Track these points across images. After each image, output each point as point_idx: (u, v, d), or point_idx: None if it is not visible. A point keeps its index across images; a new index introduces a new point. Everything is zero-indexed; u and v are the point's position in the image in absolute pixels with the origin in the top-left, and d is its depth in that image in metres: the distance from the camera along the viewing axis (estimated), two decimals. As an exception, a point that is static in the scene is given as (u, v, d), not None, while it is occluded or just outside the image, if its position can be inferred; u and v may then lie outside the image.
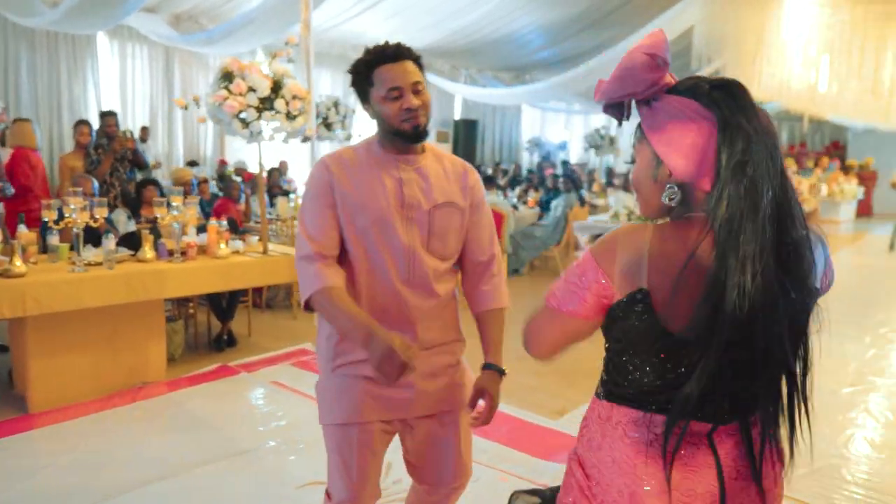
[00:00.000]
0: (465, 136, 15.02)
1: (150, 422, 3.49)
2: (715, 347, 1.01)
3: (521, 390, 3.80)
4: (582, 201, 8.33)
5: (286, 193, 7.48)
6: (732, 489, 1.10)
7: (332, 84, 12.30)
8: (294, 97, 3.95)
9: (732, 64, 9.30)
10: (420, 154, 1.70)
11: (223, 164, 9.20)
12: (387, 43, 1.65)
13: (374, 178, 1.65)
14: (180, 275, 3.76)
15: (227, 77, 3.94)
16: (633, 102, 1.14)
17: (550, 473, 2.96)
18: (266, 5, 6.31)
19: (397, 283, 1.65)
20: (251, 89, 3.83)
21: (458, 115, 15.46)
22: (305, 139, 5.71)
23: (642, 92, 1.09)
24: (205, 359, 4.50)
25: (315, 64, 11.40)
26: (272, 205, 7.05)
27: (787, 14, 8.22)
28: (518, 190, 9.93)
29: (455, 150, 14.92)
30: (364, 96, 1.67)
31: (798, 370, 1.10)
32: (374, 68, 1.62)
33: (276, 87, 3.93)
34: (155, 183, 5.30)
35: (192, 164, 9.02)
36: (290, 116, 3.96)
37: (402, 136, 1.62)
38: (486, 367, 1.74)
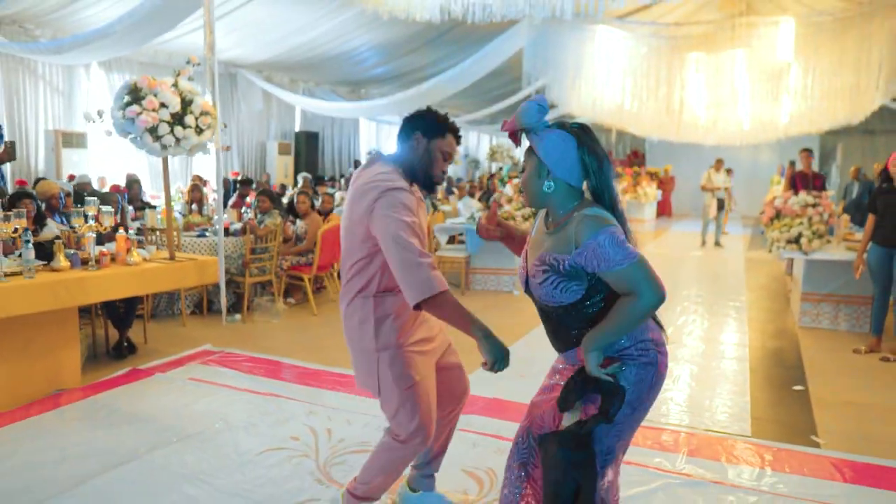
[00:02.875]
0: (307, 148, 15.34)
1: (87, 420, 3.64)
2: None
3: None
4: (434, 207, 9.12)
5: (150, 206, 7.44)
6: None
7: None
8: (202, 113, 4.26)
9: (554, 83, 10.72)
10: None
11: (71, 178, 8.79)
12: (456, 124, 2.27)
13: (420, 206, 2.24)
14: (101, 281, 3.91)
15: (134, 93, 4.16)
16: (525, 133, 1.85)
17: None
18: (128, 20, 6.34)
19: None
20: (163, 105, 4.09)
21: (298, 127, 15.73)
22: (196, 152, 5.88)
23: (533, 126, 1.81)
24: (110, 366, 4.60)
25: (153, 74, 11.24)
26: (136, 218, 7.02)
27: (599, 43, 9.74)
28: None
29: (297, 162, 15.19)
30: (431, 135, 2.21)
31: None
32: (447, 133, 2.23)
33: (186, 103, 4.22)
34: (31, 196, 5.20)
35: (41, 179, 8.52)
36: (199, 131, 4.27)
37: (431, 182, 2.24)
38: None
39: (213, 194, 7.66)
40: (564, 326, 1.84)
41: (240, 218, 7.29)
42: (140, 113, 4.03)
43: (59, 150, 10.04)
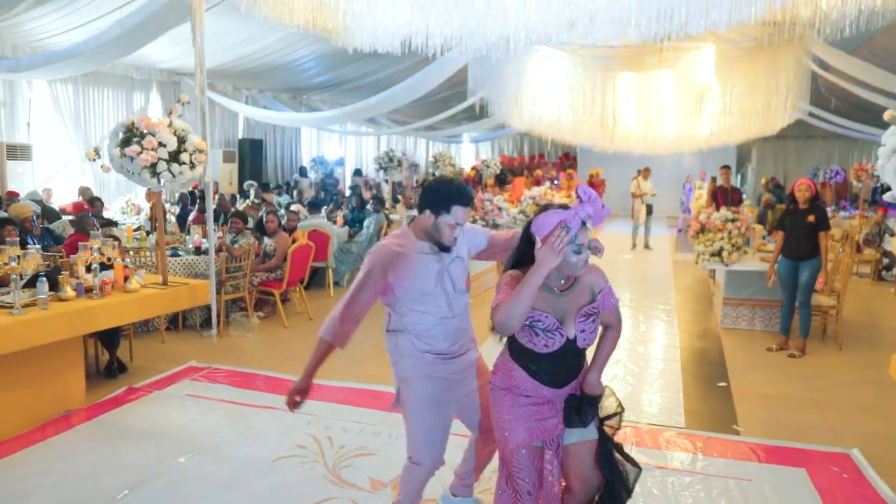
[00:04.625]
0: (251, 155, 15.47)
1: (105, 438, 3.98)
2: None
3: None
4: (389, 222, 9.59)
5: (113, 223, 7.63)
6: None
7: (115, 104, 12.09)
8: (196, 150, 4.63)
9: (496, 97, 11.38)
10: None
11: (12, 195, 8.79)
12: (467, 190, 2.63)
13: (420, 257, 2.68)
14: (109, 309, 4.23)
15: (129, 132, 4.49)
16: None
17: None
18: (99, 39, 6.53)
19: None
20: (161, 144, 4.44)
21: (241, 134, 15.83)
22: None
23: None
24: (105, 386, 4.90)
25: (98, 84, 11.31)
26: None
27: (539, 62, 10.43)
28: (325, 210, 10.89)
29: (241, 169, 15.29)
30: (438, 212, 2.55)
31: None
32: (452, 207, 2.52)
33: (180, 140, 4.58)
34: (12, 222, 5.41)
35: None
36: (192, 166, 4.64)
37: (443, 247, 2.62)
38: None
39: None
40: (579, 362, 2.41)
41: (204, 234, 7.56)
42: (140, 152, 4.37)
43: (3, 162, 9.95)
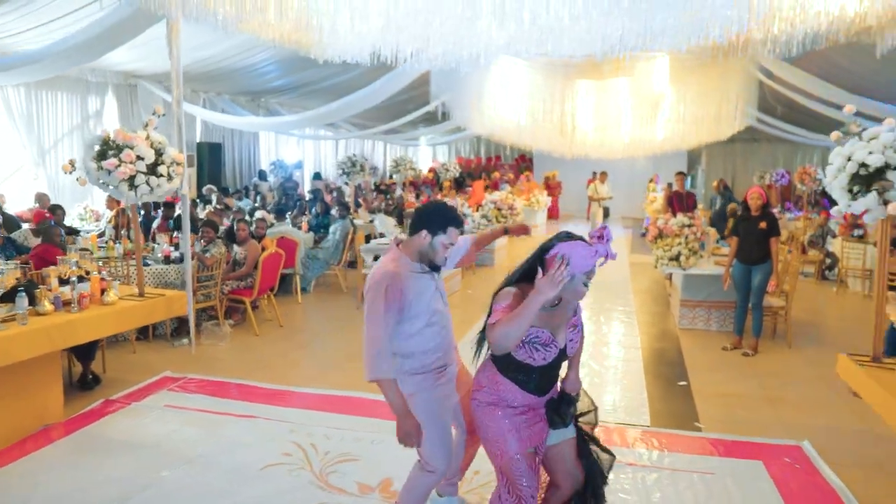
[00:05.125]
0: (210, 159, 15.29)
1: (87, 452, 3.98)
2: None
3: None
4: (355, 228, 9.67)
5: (75, 231, 7.52)
6: None
7: (70, 107, 11.84)
8: (174, 162, 4.67)
9: (457, 102, 11.59)
10: None
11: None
12: (459, 212, 2.81)
13: (418, 278, 2.80)
14: (88, 323, 4.24)
15: (106, 145, 4.50)
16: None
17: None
18: (58, 48, 6.45)
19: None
20: (139, 157, 4.47)
21: (199, 138, 15.63)
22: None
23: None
24: (80, 399, 4.89)
25: (52, 87, 11.09)
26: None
27: (500, 70, 10.66)
28: (289, 215, 10.90)
29: (200, 173, 15.10)
30: (434, 232, 2.71)
31: None
32: (448, 225, 2.71)
33: (157, 153, 4.61)
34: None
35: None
36: (169, 178, 4.67)
37: (435, 266, 2.78)
38: None
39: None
40: (559, 369, 2.60)
41: (171, 242, 7.53)
42: (119, 165, 4.39)
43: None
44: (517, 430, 2.53)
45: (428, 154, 26.89)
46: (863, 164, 3.41)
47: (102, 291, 4.58)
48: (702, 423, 4.67)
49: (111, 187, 4.53)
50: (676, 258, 6.93)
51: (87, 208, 10.31)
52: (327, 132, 18.93)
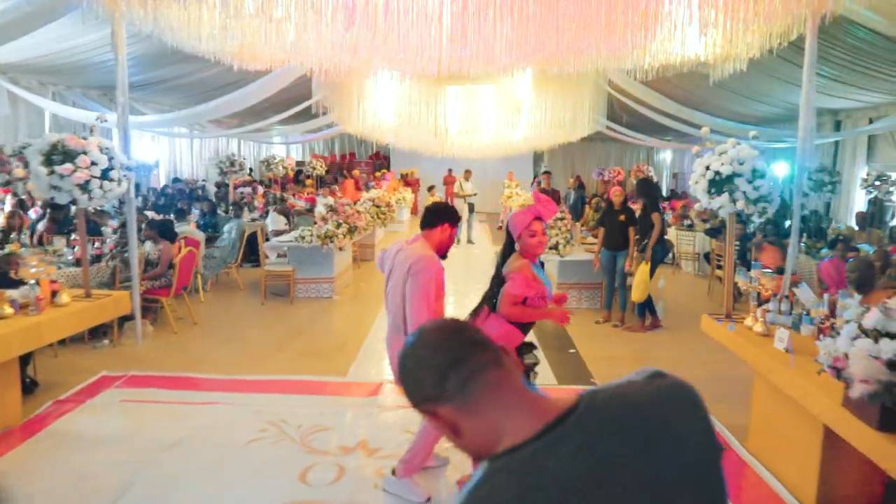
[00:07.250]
0: (62, 156, 14.41)
1: (67, 447, 4.17)
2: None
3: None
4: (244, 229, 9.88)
5: None
6: None
7: None
8: (124, 167, 4.88)
9: (336, 102, 12.08)
10: None
11: None
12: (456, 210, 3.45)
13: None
14: (50, 325, 4.38)
15: (54, 150, 4.63)
16: None
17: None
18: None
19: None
20: (93, 163, 4.65)
21: (48, 132, 14.63)
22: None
23: None
24: (25, 403, 4.92)
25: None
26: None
27: (377, 75, 11.34)
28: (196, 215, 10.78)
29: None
30: (452, 223, 3.37)
31: None
32: (459, 220, 3.39)
33: (109, 158, 4.80)
34: None
35: None
36: (119, 183, 4.88)
37: (443, 254, 3.42)
38: None
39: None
40: None
41: (71, 244, 7.39)
42: (74, 171, 4.55)
43: None
44: None
45: (282, 152, 26.68)
46: (717, 173, 4.58)
47: (54, 294, 4.71)
48: (596, 380, 5.74)
49: (63, 191, 4.65)
50: (555, 247, 8.07)
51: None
52: (181, 129, 18.37)
